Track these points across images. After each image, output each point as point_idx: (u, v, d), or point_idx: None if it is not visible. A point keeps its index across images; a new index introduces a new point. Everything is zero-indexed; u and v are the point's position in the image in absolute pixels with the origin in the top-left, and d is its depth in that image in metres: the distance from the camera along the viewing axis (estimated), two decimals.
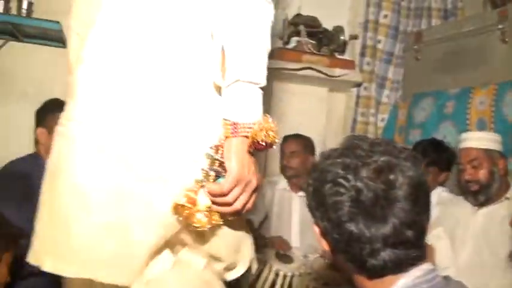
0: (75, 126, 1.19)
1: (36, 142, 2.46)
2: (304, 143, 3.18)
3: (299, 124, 3.51)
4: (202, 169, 1.08)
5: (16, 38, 2.88)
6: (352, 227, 0.97)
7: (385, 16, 3.68)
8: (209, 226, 1.07)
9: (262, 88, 1.12)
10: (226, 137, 1.07)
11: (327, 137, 3.64)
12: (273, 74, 3.28)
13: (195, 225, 1.05)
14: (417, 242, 1.01)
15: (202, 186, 1.06)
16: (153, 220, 1.10)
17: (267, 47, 1.13)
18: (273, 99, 3.50)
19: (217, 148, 1.08)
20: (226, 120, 1.07)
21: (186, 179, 1.09)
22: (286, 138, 3.17)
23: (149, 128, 1.11)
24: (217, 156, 1.07)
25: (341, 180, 0.98)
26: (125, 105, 1.13)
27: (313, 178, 1.06)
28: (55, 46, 3.03)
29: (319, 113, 3.61)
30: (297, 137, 3.19)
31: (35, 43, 2.99)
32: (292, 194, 3.13)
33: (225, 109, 1.09)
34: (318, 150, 3.38)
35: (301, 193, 3.09)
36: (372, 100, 3.66)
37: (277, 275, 2.54)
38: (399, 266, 1.00)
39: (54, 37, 2.87)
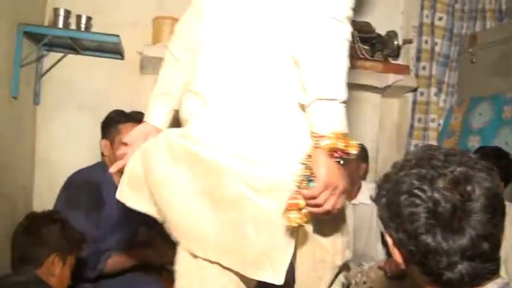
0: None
1: (102, 152, 2.54)
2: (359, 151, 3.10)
3: (352, 130, 3.45)
4: (298, 175, 1.25)
5: (75, 51, 2.98)
6: (429, 239, 0.95)
7: (440, 18, 3.58)
8: (303, 224, 1.23)
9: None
10: (314, 147, 1.23)
11: (380, 144, 3.59)
12: None
13: (293, 224, 1.22)
14: (492, 254, 0.98)
15: (298, 191, 1.23)
16: (263, 221, 1.32)
17: (344, 65, 1.26)
18: None
19: (308, 156, 1.24)
20: (313, 133, 1.24)
21: (288, 186, 1.27)
22: None
23: (258, 145, 1.35)
24: (309, 164, 1.23)
25: (417, 191, 0.96)
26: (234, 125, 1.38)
27: (386, 189, 1.04)
28: (112, 58, 3.12)
29: (373, 120, 3.55)
30: None
31: (92, 56, 3.08)
32: (346, 202, 3.06)
33: (311, 124, 1.26)
34: (371, 157, 3.33)
35: (354, 201, 3.05)
36: (429, 105, 3.56)
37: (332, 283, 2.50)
38: (475, 279, 0.97)
39: (112, 49, 2.96)
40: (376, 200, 1.08)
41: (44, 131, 3.05)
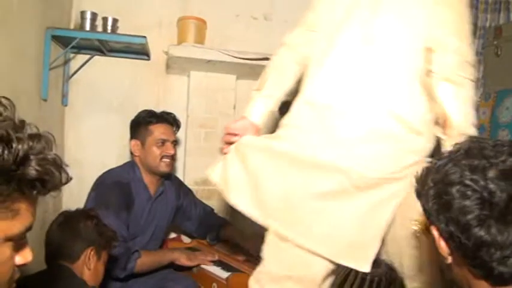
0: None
1: (132, 152, 2.56)
2: None
3: None
4: None
5: (101, 53, 3.01)
6: (482, 231, 0.91)
7: None
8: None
9: None
10: None
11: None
12: None
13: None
14: None
15: None
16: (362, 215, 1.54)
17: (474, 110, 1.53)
18: None
19: None
20: None
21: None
22: None
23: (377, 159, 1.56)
24: None
25: (469, 182, 0.92)
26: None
27: (434, 181, 0.99)
28: (138, 59, 3.15)
29: None
30: None
31: (119, 57, 3.11)
32: None
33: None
34: None
35: None
36: None
37: (363, 279, 2.48)
38: None
39: (138, 50, 2.98)
40: (420, 192, 1.05)
41: (72, 131, 3.10)
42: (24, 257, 0.87)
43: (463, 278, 1.02)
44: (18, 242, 0.84)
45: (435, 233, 1.02)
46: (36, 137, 0.83)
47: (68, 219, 1.81)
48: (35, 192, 0.82)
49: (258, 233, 3.08)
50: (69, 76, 3.03)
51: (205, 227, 2.77)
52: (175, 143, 2.57)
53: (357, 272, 2.49)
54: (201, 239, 2.80)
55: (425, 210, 1.03)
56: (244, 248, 2.65)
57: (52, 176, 0.84)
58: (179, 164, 3.23)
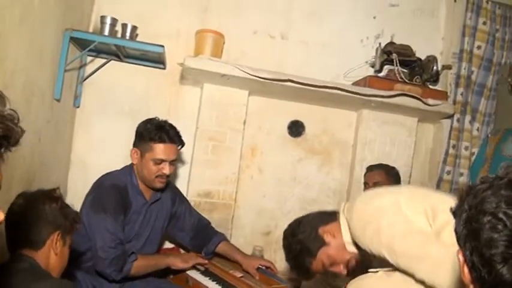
0: None
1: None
2: (388, 172, 3.06)
3: (387, 153, 3.43)
4: None
5: (118, 58, 3.01)
6: (504, 270, 0.84)
7: (479, 47, 3.51)
8: None
9: None
10: None
11: (413, 169, 3.53)
12: (363, 101, 3.22)
13: None
14: None
15: None
16: None
17: None
18: (362, 125, 3.45)
19: None
20: None
21: None
22: (371, 168, 3.10)
23: None
24: None
25: (502, 216, 0.86)
26: None
27: (469, 204, 0.92)
28: (153, 67, 3.15)
29: (408, 143, 3.49)
30: (381, 167, 3.08)
31: (135, 64, 3.11)
32: None
33: None
34: (403, 182, 3.27)
35: None
36: (463, 132, 3.48)
37: None
38: None
39: (155, 59, 2.99)
40: (456, 212, 1.00)
41: (82, 133, 3.10)
42: None
43: None
44: None
45: (461, 258, 0.95)
46: None
47: (30, 202, 1.64)
48: (2, 150, 0.84)
49: (256, 254, 3.09)
50: (84, 78, 3.03)
51: (200, 240, 2.74)
52: (175, 162, 2.53)
53: None
54: (196, 252, 2.75)
55: (456, 232, 0.97)
56: (241, 265, 2.62)
57: (13, 131, 0.85)
58: (184, 175, 3.22)
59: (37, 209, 1.61)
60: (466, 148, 3.48)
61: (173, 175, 3.15)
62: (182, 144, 2.52)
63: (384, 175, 3.02)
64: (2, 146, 0.83)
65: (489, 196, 0.89)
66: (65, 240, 1.67)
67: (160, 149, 2.40)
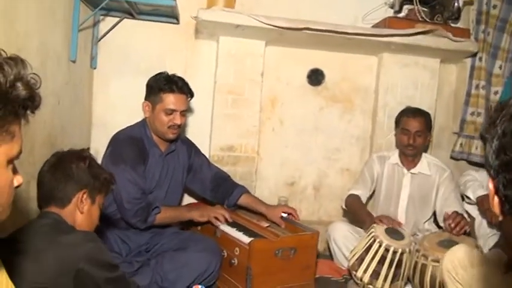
0: None
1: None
2: (429, 121, 2.98)
3: (410, 97, 3.35)
4: None
5: (131, 16, 2.96)
6: None
7: None
8: None
9: None
10: None
11: (437, 111, 3.45)
12: (383, 45, 3.13)
13: None
14: None
15: None
16: None
17: None
18: (383, 70, 3.36)
19: None
20: None
21: None
22: (414, 114, 2.96)
23: None
24: None
25: None
26: None
27: (504, 130, 0.83)
28: (167, 22, 3.09)
29: (431, 86, 3.40)
30: (423, 114, 2.98)
31: (148, 20, 3.06)
32: (404, 171, 2.98)
33: None
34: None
35: (413, 170, 2.96)
36: (486, 71, 3.34)
37: (387, 250, 2.45)
38: None
39: (167, 13, 2.93)
40: (485, 136, 0.91)
41: (100, 94, 3.11)
42: (17, 179, 0.91)
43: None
44: (14, 166, 0.90)
45: (491, 186, 0.88)
46: (13, 59, 0.84)
47: (60, 160, 1.66)
48: (28, 111, 0.87)
49: (280, 203, 3.10)
50: (98, 38, 3.00)
51: (221, 192, 2.75)
52: (185, 112, 2.53)
53: (380, 243, 2.47)
54: (218, 203, 2.78)
55: (486, 158, 0.89)
56: (266, 216, 2.63)
57: (36, 94, 0.88)
58: (205, 130, 3.21)
59: (64, 167, 1.63)
60: (483, 87, 3.35)
61: (195, 131, 3.15)
62: (191, 94, 2.53)
63: (424, 123, 2.94)
64: (27, 107, 0.86)
65: None
66: (94, 200, 1.68)
67: (170, 99, 2.42)
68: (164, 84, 2.42)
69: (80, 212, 1.63)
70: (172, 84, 2.43)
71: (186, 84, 2.48)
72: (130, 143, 2.40)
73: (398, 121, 3.04)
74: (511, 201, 0.83)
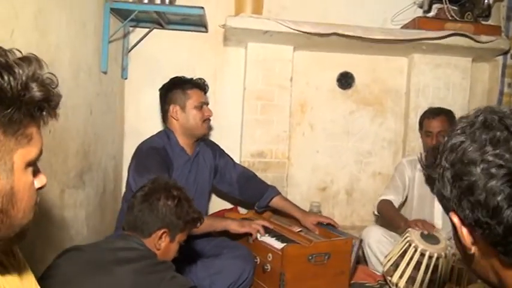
0: None
1: (167, 118, 2.57)
2: (451, 119, 2.88)
3: (441, 98, 3.27)
4: None
5: (160, 26, 2.98)
6: None
7: None
8: None
9: None
10: None
11: (470, 111, 3.34)
12: (414, 45, 3.06)
13: None
14: None
15: None
16: None
17: None
18: (414, 71, 3.30)
19: None
20: None
21: None
22: (434, 114, 2.92)
23: None
24: None
25: (493, 158, 0.79)
26: None
27: (450, 161, 0.85)
28: (196, 31, 3.10)
29: (463, 86, 3.31)
30: (444, 113, 2.91)
31: (177, 29, 3.08)
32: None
33: None
34: None
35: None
36: None
37: (422, 255, 2.37)
38: None
39: (196, 22, 2.94)
40: (434, 176, 0.90)
41: (132, 104, 3.13)
42: (40, 180, 0.90)
43: (489, 269, 0.87)
44: (35, 167, 0.87)
45: (456, 220, 0.87)
46: (26, 59, 0.81)
47: (151, 191, 1.69)
48: (44, 113, 0.84)
49: (314, 210, 3.06)
50: (129, 49, 3.03)
51: (250, 191, 2.73)
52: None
53: (415, 248, 2.39)
54: (250, 204, 2.77)
55: (442, 196, 0.88)
56: (299, 221, 2.59)
57: (53, 94, 0.84)
58: (235, 136, 3.20)
59: (152, 201, 1.66)
60: None
61: (225, 137, 3.14)
62: (206, 90, 2.60)
63: (447, 122, 2.86)
64: (44, 108, 0.83)
65: (469, 145, 0.82)
66: (173, 238, 1.69)
67: (197, 94, 2.50)
68: (184, 83, 2.50)
69: (156, 248, 1.65)
70: (190, 81, 2.53)
71: (201, 79, 2.59)
72: (152, 153, 2.39)
73: (421, 124, 3.00)
74: (483, 224, 0.81)
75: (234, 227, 2.44)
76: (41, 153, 0.86)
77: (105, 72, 2.59)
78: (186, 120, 2.47)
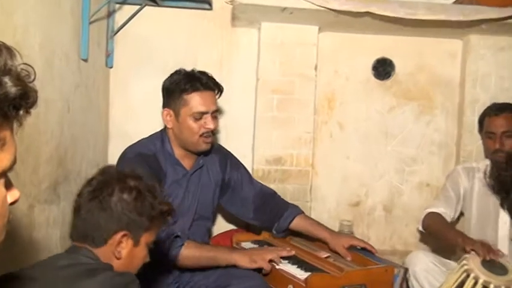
0: None
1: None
2: None
3: (506, 89, 3.27)
4: None
5: (153, 2, 2.98)
6: None
7: None
8: None
9: None
10: None
11: None
12: (470, 24, 3.03)
13: None
14: None
15: None
16: None
17: None
18: (470, 57, 3.29)
19: None
20: None
21: None
22: (497, 111, 2.89)
23: None
24: None
25: None
26: None
27: None
28: (197, 8, 3.11)
29: None
30: (510, 109, 2.88)
31: (174, 6, 3.08)
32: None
33: None
34: None
35: None
36: None
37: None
38: None
39: None
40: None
41: (119, 98, 3.15)
42: (13, 195, 0.91)
43: None
44: (6, 179, 0.89)
45: None
46: None
47: (100, 188, 1.56)
48: (20, 112, 0.84)
49: (344, 231, 3.04)
50: (114, 32, 3.04)
51: (268, 214, 2.69)
52: (217, 113, 2.49)
53: (475, 279, 2.36)
54: (265, 229, 2.74)
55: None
56: (328, 245, 2.57)
57: (30, 89, 0.85)
58: (247, 138, 3.20)
59: (102, 198, 1.54)
60: None
61: (233, 140, 3.14)
62: (220, 90, 2.49)
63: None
64: (20, 107, 0.84)
65: None
66: (138, 241, 1.57)
67: (196, 100, 2.38)
68: (185, 83, 2.39)
69: (116, 257, 1.53)
70: (196, 81, 2.39)
71: (211, 78, 2.44)
72: (138, 162, 2.32)
73: (481, 123, 2.99)
74: None
75: (244, 263, 2.33)
76: (15, 161, 0.86)
77: (85, 60, 2.60)
78: (180, 132, 2.41)
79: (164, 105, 2.47)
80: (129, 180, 1.57)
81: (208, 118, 2.39)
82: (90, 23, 2.59)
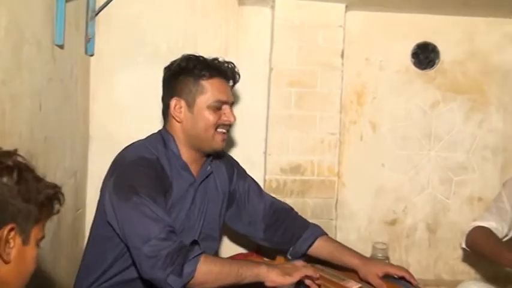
0: None
1: (166, 116, 2.51)
2: None
3: None
4: None
5: None
6: None
7: None
8: None
9: None
10: None
11: None
12: None
13: None
14: None
15: None
16: None
17: None
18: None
19: None
20: None
21: None
22: None
23: None
24: None
25: None
26: None
27: None
28: None
29: None
30: None
31: None
32: None
33: None
34: None
35: None
36: None
37: None
38: None
39: None
40: None
41: (101, 91, 3.15)
42: None
43: None
44: None
45: None
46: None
47: None
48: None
49: (378, 255, 3.03)
50: (96, 12, 3.04)
51: (282, 234, 2.68)
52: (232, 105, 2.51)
53: None
54: (280, 252, 2.74)
55: None
56: (358, 273, 2.57)
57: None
58: (257, 142, 3.21)
59: None
60: None
61: (241, 143, 3.15)
62: (235, 81, 2.53)
63: None
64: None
65: None
66: (27, 237, 1.45)
67: (216, 87, 2.40)
68: (203, 68, 2.40)
69: (4, 261, 1.41)
70: (214, 65, 2.42)
71: (229, 63, 2.50)
72: (143, 165, 2.32)
73: None
74: None
75: (274, 277, 2.21)
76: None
77: (60, 46, 2.59)
78: (193, 125, 2.39)
79: (172, 94, 2.45)
80: (5, 159, 1.42)
81: (227, 109, 2.40)
82: (67, 1, 2.59)
